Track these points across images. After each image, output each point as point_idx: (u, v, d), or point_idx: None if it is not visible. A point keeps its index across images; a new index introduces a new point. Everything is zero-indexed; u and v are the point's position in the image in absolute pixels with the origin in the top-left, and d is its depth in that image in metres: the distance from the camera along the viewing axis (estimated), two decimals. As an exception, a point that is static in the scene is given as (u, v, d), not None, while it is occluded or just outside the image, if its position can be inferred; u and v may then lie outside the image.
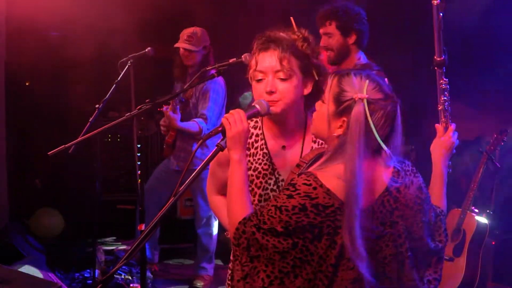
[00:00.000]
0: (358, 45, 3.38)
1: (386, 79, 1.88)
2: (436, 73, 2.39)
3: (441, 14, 2.33)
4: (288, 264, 1.74)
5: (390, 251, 1.79)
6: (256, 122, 2.26)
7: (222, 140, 1.91)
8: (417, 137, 4.67)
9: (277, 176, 2.21)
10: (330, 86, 1.82)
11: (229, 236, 2.36)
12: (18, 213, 5.34)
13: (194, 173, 1.83)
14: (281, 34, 2.12)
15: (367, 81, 1.77)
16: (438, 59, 2.37)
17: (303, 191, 1.73)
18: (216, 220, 4.61)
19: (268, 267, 1.75)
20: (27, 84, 5.73)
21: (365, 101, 1.74)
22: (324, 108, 1.83)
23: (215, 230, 4.70)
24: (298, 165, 2.06)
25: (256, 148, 2.24)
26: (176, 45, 4.51)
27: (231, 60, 2.52)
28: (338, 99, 1.78)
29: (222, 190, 2.37)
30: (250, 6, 5.27)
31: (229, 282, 2.41)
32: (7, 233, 4.72)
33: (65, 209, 5.45)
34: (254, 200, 2.23)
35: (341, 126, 1.78)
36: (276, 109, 2.09)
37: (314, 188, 1.72)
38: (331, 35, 3.35)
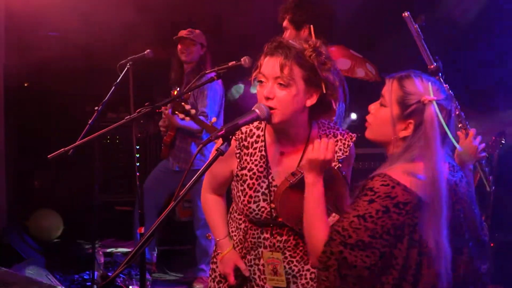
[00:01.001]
0: None
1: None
2: None
3: (416, 25, 2.34)
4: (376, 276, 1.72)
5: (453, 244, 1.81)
6: (260, 122, 2.24)
7: (222, 144, 1.90)
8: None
9: (270, 180, 2.20)
10: (391, 89, 1.83)
11: (210, 238, 2.34)
12: (17, 215, 5.33)
13: (194, 177, 1.81)
14: (292, 41, 2.09)
15: (430, 82, 1.81)
16: (431, 66, 2.38)
17: (383, 192, 1.73)
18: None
19: (355, 285, 1.71)
20: (26, 85, 5.74)
21: (434, 103, 1.76)
22: (385, 111, 1.84)
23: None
24: (293, 174, 2.05)
25: (255, 148, 2.22)
26: (176, 37, 4.53)
27: (230, 63, 2.52)
28: (403, 103, 1.81)
29: (218, 188, 2.38)
30: (250, 9, 5.26)
31: None
32: (5, 235, 4.72)
33: (63, 211, 5.45)
34: (243, 200, 2.22)
35: (406, 128, 1.81)
36: (273, 119, 2.06)
37: (393, 187, 1.73)
38: (286, 29, 3.25)
